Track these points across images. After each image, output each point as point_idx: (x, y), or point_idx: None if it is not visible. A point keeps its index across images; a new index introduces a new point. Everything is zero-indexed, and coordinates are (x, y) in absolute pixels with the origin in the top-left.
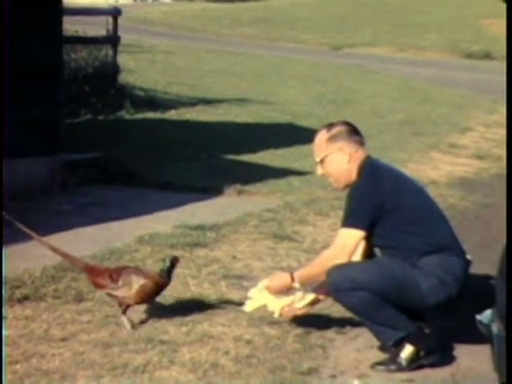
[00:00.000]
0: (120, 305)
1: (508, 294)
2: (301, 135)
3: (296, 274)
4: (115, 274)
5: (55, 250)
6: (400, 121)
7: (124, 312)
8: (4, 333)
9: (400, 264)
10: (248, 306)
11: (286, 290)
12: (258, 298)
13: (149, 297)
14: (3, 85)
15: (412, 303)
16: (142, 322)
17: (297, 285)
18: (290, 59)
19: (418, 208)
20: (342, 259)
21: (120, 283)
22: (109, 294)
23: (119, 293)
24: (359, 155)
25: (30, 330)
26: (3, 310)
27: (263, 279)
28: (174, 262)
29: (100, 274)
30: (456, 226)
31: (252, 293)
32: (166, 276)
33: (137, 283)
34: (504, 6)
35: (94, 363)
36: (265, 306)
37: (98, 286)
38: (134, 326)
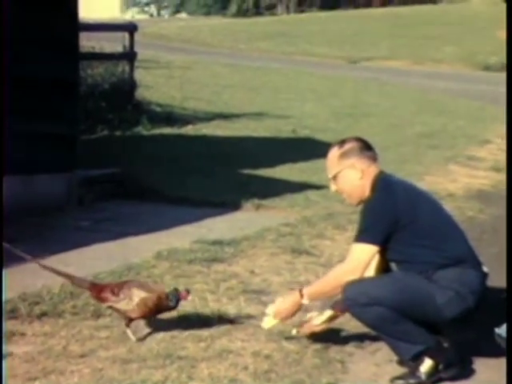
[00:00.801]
0: (124, 318)
1: (508, 293)
2: (318, 149)
3: (305, 291)
4: (116, 288)
5: (57, 273)
6: (417, 134)
7: (127, 325)
8: (22, 349)
9: (416, 278)
10: (265, 323)
11: (297, 311)
12: (275, 315)
13: (150, 310)
14: (4, 98)
15: (429, 317)
16: (158, 337)
17: (306, 301)
18: (307, 73)
19: (432, 221)
20: (355, 274)
21: (121, 296)
22: (111, 307)
23: (120, 306)
24: (372, 171)
25: (48, 346)
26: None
27: (281, 294)
28: (184, 295)
29: (102, 289)
30: (474, 238)
31: (269, 309)
32: (174, 301)
33: (137, 296)
34: None
35: (113, 379)
36: (281, 323)
37: (101, 301)
38: (140, 339)
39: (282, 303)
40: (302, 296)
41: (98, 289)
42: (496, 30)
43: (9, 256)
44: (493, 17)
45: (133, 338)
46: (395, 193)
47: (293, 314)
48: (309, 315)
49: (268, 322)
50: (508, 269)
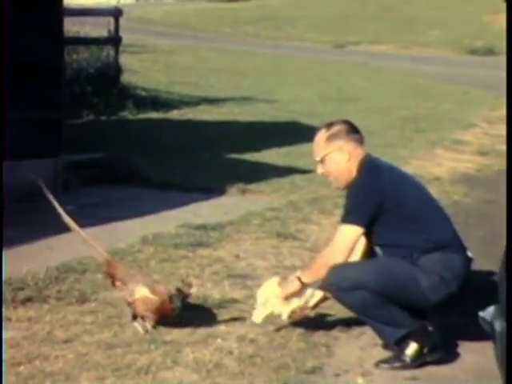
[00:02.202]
0: (131, 310)
1: (508, 293)
2: (304, 133)
3: (303, 278)
4: (128, 276)
5: (83, 238)
6: (403, 118)
7: (134, 318)
8: (7, 334)
9: (400, 262)
10: (256, 317)
11: (298, 292)
12: (265, 307)
13: (151, 311)
14: (3, 85)
15: (413, 301)
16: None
17: (304, 279)
18: (293, 57)
19: (417, 205)
20: (341, 255)
21: (128, 286)
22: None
23: (124, 295)
24: (358, 153)
25: (33, 331)
26: (3, 311)
27: (266, 279)
28: (187, 291)
29: (116, 269)
30: (459, 222)
31: (258, 303)
32: (178, 302)
33: (139, 293)
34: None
35: (98, 364)
36: (273, 314)
37: (112, 278)
38: (147, 331)
39: (285, 289)
40: (303, 284)
41: (114, 267)
42: (482, 14)
43: None
44: (479, 1)
45: (141, 330)
46: (381, 175)
47: (294, 295)
48: (302, 301)
49: (258, 316)
50: (508, 266)
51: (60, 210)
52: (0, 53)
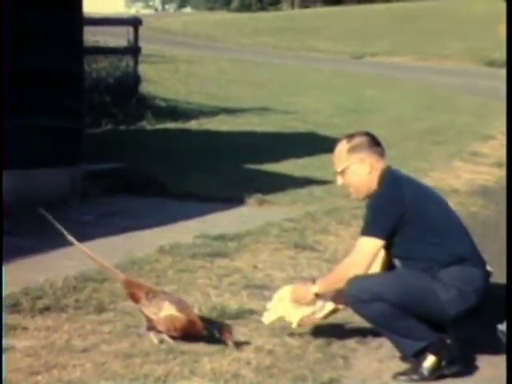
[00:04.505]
0: (148, 323)
1: (508, 293)
2: (322, 145)
3: (317, 282)
4: (152, 293)
5: (95, 260)
6: (422, 129)
7: (148, 329)
8: (25, 343)
9: (419, 275)
10: (266, 318)
11: (308, 298)
12: (277, 309)
13: (175, 329)
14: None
15: (432, 315)
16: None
17: (315, 289)
18: (311, 68)
19: (438, 218)
20: (360, 267)
21: (152, 303)
22: (141, 311)
23: (147, 312)
24: (380, 166)
25: (51, 340)
26: (3, 317)
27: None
28: (227, 336)
29: (138, 287)
30: (477, 234)
31: (270, 304)
32: (209, 333)
33: (167, 311)
34: None
35: (116, 374)
36: (283, 318)
37: (134, 299)
38: (162, 342)
39: (297, 289)
40: (314, 286)
41: (133, 285)
42: (500, 26)
43: (11, 250)
44: (497, 12)
45: (155, 340)
46: (402, 188)
47: (302, 300)
48: (311, 310)
49: (269, 317)
50: (508, 268)
51: (72, 238)
52: (1, 60)
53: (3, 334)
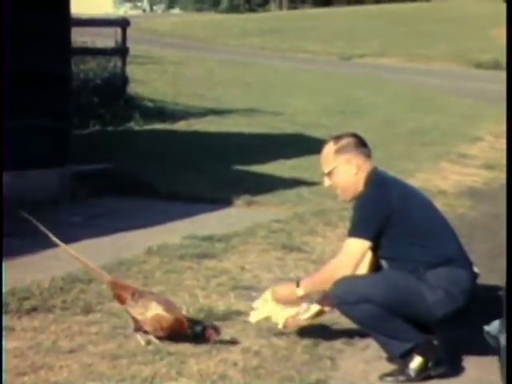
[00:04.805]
0: (135, 324)
1: (508, 296)
2: (310, 146)
3: (301, 283)
4: (138, 294)
5: (80, 261)
6: (409, 131)
7: (135, 331)
8: (12, 344)
9: (406, 277)
10: (253, 317)
11: (292, 299)
12: (263, 309)
13: (162, 329)
14: (3, 94)
15: (419, 316)
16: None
17: (300, 291)
18: (299, 69)
19: (424, 220)
20: (347, 268)
21: (139, 303)
22: (126, 311)
23: (134, 313)
24: (366, 167)
25: (38, 341)
26: (3, 319)
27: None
28: (211, 333)
29: (124, 288)
30: (464, 235)
31: (257, 303)
32: (194, 333)
33: (153, 311)
34: None
35: (102, 375)
36: (269, 317)
37: (120, 300)
38: (149, 343)
39: (279, 289)
40: (298, 286)
41: (119, 286)
42: (489, 28)
43: None
44: (485, 14)
45: (142, 342)
46: (388, 189)
47: (286, 301)
48: (295, 310)
49: (255, 316)
50: (508, 270)
51: (56, 240)
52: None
53: (3, 335)
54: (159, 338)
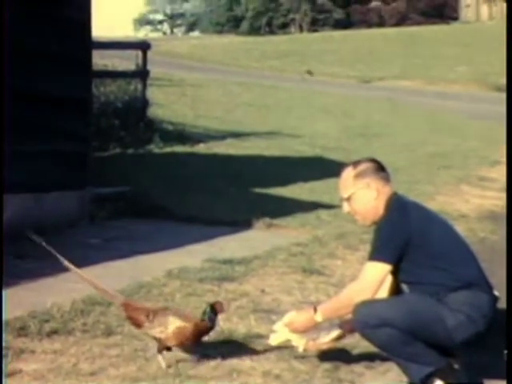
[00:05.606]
0: (158, 343)
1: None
2: (329, 168)
3: (319, 308)
4: (152, 314)
5: (92, 284)
6: (429, 154)
7: (159, 351)
8: (32, 367)
9: (427, 300)
10: (272, 340)
11: (310, 326)
12: (283, 331)
13: (187, 339)
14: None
15: (439, 340)
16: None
17: (319, 318)
18: (319, 92)
19: (445, 243)
20: (367, 293)
21: (155, 323)
22: (147, 334)
23: (155, 333)
24: (386, 191)
25: (58, 364)
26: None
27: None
28: (216, 307)
29: (137, 310)
30: (485, 259)
31: (277, 326)
32: (209, 320)
33: (173, 324)
34: None
35: None
36: (289, 341)
37: (135, 323)
38: (169, 366)
39: (296, 316)
40: (315, 312)
41: (131, 308)
42: None
43: (19, 273)
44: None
45: (163, 364)
46: (409, 213)
47: (304, 329)
48: (316, 334)
49: (275, 339)
50: (508, 277)
51: (67, 263)
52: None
53: (3, 334)
54: (186, 347)
